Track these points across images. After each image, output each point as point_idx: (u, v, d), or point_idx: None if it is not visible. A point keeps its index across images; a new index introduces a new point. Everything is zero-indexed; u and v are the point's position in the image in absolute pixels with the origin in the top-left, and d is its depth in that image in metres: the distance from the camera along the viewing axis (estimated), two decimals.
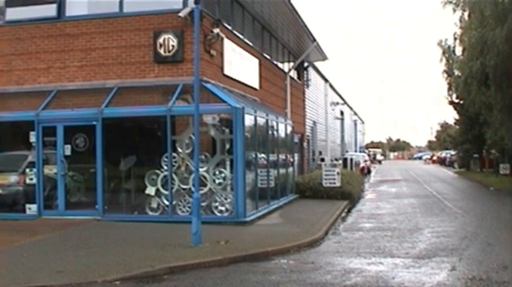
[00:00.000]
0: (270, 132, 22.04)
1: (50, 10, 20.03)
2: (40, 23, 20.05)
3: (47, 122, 18.82)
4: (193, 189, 15.52)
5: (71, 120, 18.71)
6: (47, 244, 14.38)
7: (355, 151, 73.42)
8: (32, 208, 18.84)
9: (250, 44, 24.46)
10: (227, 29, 21.10)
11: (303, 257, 13.25)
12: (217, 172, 17.82)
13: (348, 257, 13.32)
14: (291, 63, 33.93)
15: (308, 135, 38.90)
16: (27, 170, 19.12)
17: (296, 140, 30.94)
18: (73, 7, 20.00)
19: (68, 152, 18.76)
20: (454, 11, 33.56)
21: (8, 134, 21.13)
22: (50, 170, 18.95)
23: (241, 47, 22.65)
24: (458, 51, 43.72)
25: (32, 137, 18.93)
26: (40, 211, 18.70)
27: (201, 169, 16.48)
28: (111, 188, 19.04)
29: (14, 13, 20.50)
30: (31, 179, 18.95)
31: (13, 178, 19.37)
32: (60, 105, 19.17)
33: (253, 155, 19.62)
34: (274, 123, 22.88)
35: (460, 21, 36.57)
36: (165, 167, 17.85)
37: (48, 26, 19.92)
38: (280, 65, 31.40)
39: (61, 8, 19.96)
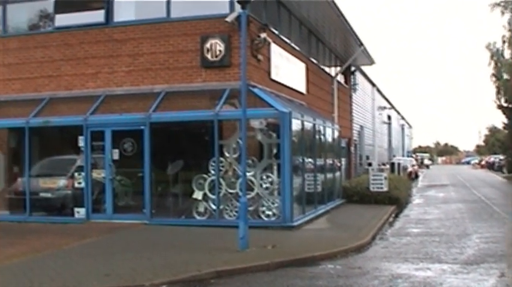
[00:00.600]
0: (317, 136, 22.01)
1: (98, 16, 20.30)
2: (88, 28, 20.33)
3: (95, 127, 19.05)
4: (240, 193, 15.59)
5: (119, 125, 18.91)
6: (95, 247, 14.54)
7: (403, 156, 72.80)
8: (80, 212, 19.08)
9: (297, 48, 24.50)
10: (274, 33, 21.15)
11: (350, 262, 13.19)
12: (264, 177, 17.84)
13: (395, 262, 13.23)
14: (338, 68, 33.89)
15: (355, 140, 38.75)
16: (76, 174, 19.40)
17: (343, 144, 30.81)
18: (121, 13, 20.23)
19: (116, 156, 18.97)
20: (503, 13, 33.26)
21: (57, 138, 21.54)
22: (98, 174, 19.18)
23: (288, 51, 22.69)
24: (507, 54, 43.22)
25: (81, 142, 19.15)
26: (88, 215, 18.95)
27: (248, 174, 16.50)
28: (158, 192, 19.21)
29: (62, 19, 20.81)
30: (79, 183, 19.21)
31: (62, 182, 19.72)
32: (108, 110, 19.41)
33: (301, 160, 19.58)
34: (321, 128, 22.83)
35: (509, 23, 36.12)
36: (213, 172, 17.93)
37: (97, 32, 20.20)
38: (327, 69, 31.38)
39: (109, 14, 20.20)
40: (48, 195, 19.69)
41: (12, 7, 21.88)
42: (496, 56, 46.16)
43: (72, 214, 19.27)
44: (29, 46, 21.07)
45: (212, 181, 17.97)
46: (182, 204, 19.26)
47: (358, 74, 40.17)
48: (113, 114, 19.13)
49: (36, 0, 21.66)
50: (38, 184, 19.81)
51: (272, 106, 17.86)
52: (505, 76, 43.53)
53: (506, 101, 48.33)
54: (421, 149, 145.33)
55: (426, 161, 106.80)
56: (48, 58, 20.75)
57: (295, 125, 18.60)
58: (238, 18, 17.55)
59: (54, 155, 20.87)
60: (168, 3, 19.53)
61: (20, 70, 21.09)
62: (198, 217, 18.25)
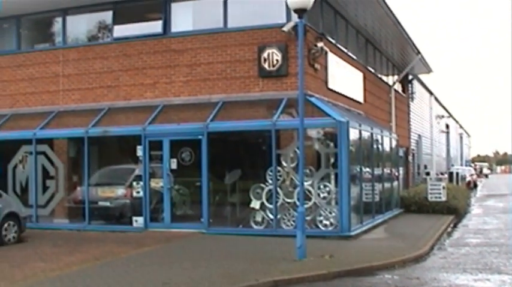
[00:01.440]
0: (374, 146, 21.99)
1: (156, 27, 20.65)
2: (146, 39, 20.66)
3: (153, 137, 19.33)
4: (298, 203, 15.50)
5: (177, 135, 19.14)
6: (152, 256, 14.71)
7: (461, 165, 71.92)
8: (138, 221, 19.38)
9: (354, 57, 24.53)
10: (331, 42, 21.22)
11: (408, 273, 13.14)
12: (321, 186, 17.89)
13: (453, 273, 13.14)
14: (395, 76, 33.77)
15: (413, 149, 38.48)
16: (134, 183, 19.73)
17: (401, 153, 30.67)
18: (178, 23, 20.53)
19: (174, 165, 19.19)
20: None
21: (116, 148, 22.00)
22: (156, 183, 19.43)
23: (345, 60, 22.74)
24: None
25: (139, 151, 19.44)
26: (146, 224, 19.22)
27: (305, 183, 16.49)
28: (216, 201, 19.45)
29: (121, 30, 21.23)
30: (138, 192, 19.52)
31: (120, 191, 20.10)
32: (166, 119, 19.67)
33: (358, 169, 19.60)
34: (379, 137, 22.80)
35: None
36: (270, 181, 18.02)
37: (155, 42, 20.51)
38: (384, 78, 31.29)
39: (167, 25, 20.51)
40: (107, 204, 20.09)
41: (72, 19, 22.34)
42: None
43: (131, 223, 19.55)
44: (88, 57, 21.49)
45: (270, 190, 18.07)
46: (240, 213, 19.46)
47: (415, 83, 39.90)
48: (170, 124, 19.36)
49: (95, 12, 22.09)
50: (97, 193, 20.25)
51: (329, 115, 17.90)
52: None
53: None
54: (479, 159, 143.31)
55: (485, 171, 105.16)
56: (107, 69, 21.15)
57: (353, 134, 18.63)
58: (295, 27, 17.59)
59: (112, 165, 21.39)
60: (225, 13, 19.74)
61: (80, 81, 21.53)
62: (255, 227, 18.36)
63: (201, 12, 20.77)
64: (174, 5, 20.54)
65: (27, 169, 21.30)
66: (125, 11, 21.31)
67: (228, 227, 18.81)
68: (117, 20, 21.38)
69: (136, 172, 19.85)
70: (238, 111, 19.09)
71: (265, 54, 18.91)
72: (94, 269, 13.00)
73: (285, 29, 18.47)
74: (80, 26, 22.53)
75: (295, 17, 16.08)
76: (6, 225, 17.23)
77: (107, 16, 21.67)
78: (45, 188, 21.06)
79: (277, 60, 18.78)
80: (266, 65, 18.90)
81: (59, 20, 22.51)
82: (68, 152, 21.63)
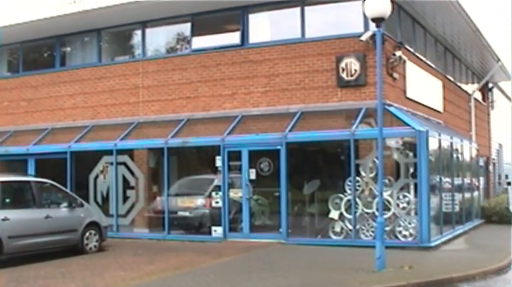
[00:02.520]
0: (454, 155, 21.86)
1: (234, 38, 21.06)
2: (225, 50, 21.07)
3: (232, 147, 19.63)
4: (377, 213, 15.68)
5: (255, 145, 19.40)
6: (231, 265, 14.96)
7: None
8: (217, 231, 19.65)
9: (433, 65, 24.51)
10: (409, 51, 21.29)
11: (489, 285, 13.10)
12: (401, 196, 17.89)
13: None
14: (475, 85, 33.46)
15: (493, 159, 37.99)
16: (213, 193, 20.02)
17: (481, 163, 30.40)
18: (256, 34, 20.85)
19: (252, 176, 19.45)
20: None
21: (195, 158, 22.50)
22: (235, 193, 19.75)
23: (423, 69, 22.76)
24: None
25: (218, 162, 19.74)
26: (225, 234, 19.50)
27: (384, 193, 16.53)
28: (294, 211, 19.62)
29: (199, 42, 21.71)
30: (217, 202, 19.81)
31: (200, 201, 20.47)
32: (244, 130, 19.97)
33: (438, 179, 19.51)
34: (459, 146, 22.68)
35: None
36: (349, 191, 18.11)
37: (233, 53, 20.91)
38: (463, 86, 31.07)
39: (244, 35, 20.87)
40: (186, 214, 20.47)
41: (151, 31, 22.94)
42: None
43: (210, 233, 19.85)
44: (167, 68, 22.02)
45: (348, 200, 18.14)
46: (318, 224, 19.57)
47: (495, 91, 39.42)
48: (249, 134, 19.63)
49: (174, 24, 22.63)
50: (177, 203, 20.66)
51: (408, 125, 17.91)
52: None
53: None
54: None
55: None
56: (185, 80, 21.62)
57: (432, 143, 18.57)
58: (373, 36, 17.75)
59: (192, 175, 21.81)
60: (303, 23, 19.98)
61: (159, 92, 22.08)
62: (334, 237, 18.42)
63: (279, 22, 21.08)
64: (251, 16, 20.88)
65: (108, 179, 21.86)
66: (203, 22, 21.76)
67: (306, 237, 18.96)
68: (196, 31, 21.84)
69: (216, 182, 20.16)
70: (316, 122, 19.23)
71: (343, 64, 19.08)
72: (174, 278, 13.28)
73: (362, 38, 18.62)
74: (158, 38, 23.12)
75: (373, 26, 16.23)
76: (87, 234, 17.82)
77: (185, 28, 22.18)
78: (125, 198, 21.58)
79: (355, 70, 18.93)
80: (344, 75, 19.07)
81: (138, 32, 23.13)
82: (148, 162, 22.10)
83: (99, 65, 23.70)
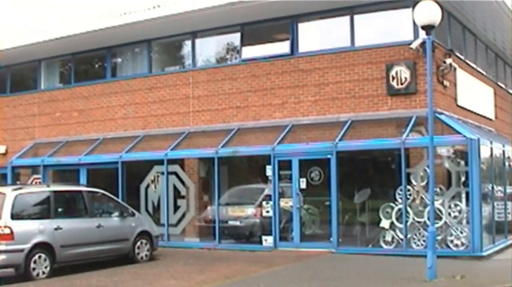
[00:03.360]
0: (506, 163, 21.78)
1: (284, 47, 21.37)
2: (274, 60, 21.38)
3: (282, 156, 19.90)
4: (428, 222, 15.66)
5: (305, 154, 19.63)
6: (282, 275, 15.14)
7: None
8: (268, 240, 19.95)
9: (484, 73, 24.54)
10: (460, 58, 21.39)
11: None
12: (452, 205, 17.87)
13: None
14: None
15: None
16: (264, 203, 20.36)
17: None
18: (305, 43, 21.15)
19: (303, 185, 19.66)
20: None
21: (245, 167, 22.89)
22: (285, 203, 19.97)
23: (474, 76, 22.84)
24: None
25: (268, 171, 20.08)
26: (276, 243, 19.74)
27: (436, 202, 16.52)
28: (345, 220, 19.74)
29: (249, 51, 22.09)
30: (267, 211, 20.14)
31: (250, 211, 20.83)
32: (295, 139, 20.21)
33: (490, 187, 19.48)
34: (511, 154, 22.66)
35: None
36: (400, 200, 18.15)
37: (282, 63, 21.22)
38: None
39: (294, 45, 21.17)
40: (237, 223, 20.86)
41: (201, 41, 23.47)
42: None
43: (260, 242, 20.19)
44: (218, 78, 22.44)
45: (399, 209, 18.15)
46: (369, 233, 19.64)
47: None
48: (299, 143, 19.87)
49: (223, 34, 23.11)
50: (227, 212, 21.06)
51: (459, 133, 17.94)
52: None
53: None
54: None
55: None
56: (235, 90, 22.01)
57: (484, 151, 18.58)
58: (423, 44, 17.90)
59: (242, 184, 22.23)
60: (352, 31, 20.20)
61: (209, 102, 22.51)
62: (385, 246, 18.45)
63: (328, 31, 21.34)
64: (301, 25, 21.20)
65: (159, 189, 22.35)
66: (253, 32, 22.16)
67: (357, 246, 19.06)
68: (245, 41, 22.23)
69: (266, 192, 20.48)
70: (366, 130, 19.37)
71: (393, 72, 19.24)
72: None
73: (412, 46, 18.78)
74: (208, 48, 23.61)
75: (422, 33, 16.37)
76: (139, 243, 18.32)
77: (235, 38, 22.63)
78: (176, 208, 22.00)
79: (405, 78, 19.06)
80: (394, 83, 19.22)
81: (188, 43, 23.66)
82: (199, 172, 22.48)
83: (150, 76, 24.29)
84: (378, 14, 20.08)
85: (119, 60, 26.42)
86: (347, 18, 20.34)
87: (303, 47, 21.22)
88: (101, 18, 23.68)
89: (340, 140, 19.12)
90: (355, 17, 20.24)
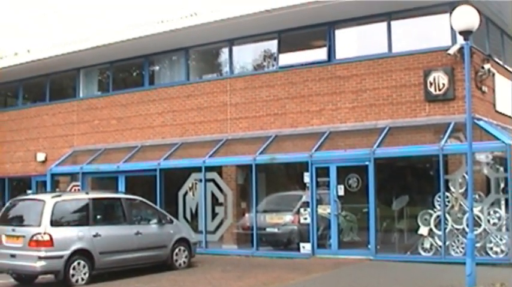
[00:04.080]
0: None
1: (321, 54, 21.58)
2: (311, 66, 21.61)
3: (320, 163, 20.07)
4: (467, 229, 15.70)
5: (343, 161, 19.78)
6: (320, 282, 15.34)
7: None
8: (305, 247, 20.12)
9: None
10: (498, 63, 21.40)
11: None
12: (491, 212, 17.79)
13: None
14: None
15: None
16: (302, 210, 20.55)
17: None
18: (343, 49, 21.32)
19: (341, 192, 19.81)
20: None
21: (283, 174, 23.06)
22: (323, 210, 20.15)
23: None
24: None
25: (306, 178, 20.22)
26: (313, 250, 19.90)
27: (475, 209, 16.48)
28: (383, 227, 19.88)
29: (286, 58, 22.36)
30: (305, 218, 20.33)
31: (288, 218, 21.04)
32: (332, 146, 20.37)
33: None
34: None
35: None
36: (438, 207, 18.18)
37: (320, 70, 21.42)
38: None
39: (331, 51, 21.37)
40: (275, 230, 21.10)
41: (238, 49, 23.81)
42: None
43: (298, 249, 20.36)
44: (255, 86, 22.75)
45: (438, 216, 18.16)
46: (407, 240, 19.64)
47: None
48: (337, 150, 20.03)
49: (260, 41, 23.43)
50: (265, 219, 21.33)
51: (498, 139, 17.87)
52: None
53: None
54: None
55: None
56: (273, 97, 22.28)
57: None
58: (461, 50, 18.00)
59: (280, 191, 22.44)
60: (389, 37, 20.33)
61: (247, 109, 22.84)
62: (423, 253, 18.44)
63: (365, 37, 21.53)
64: (338, 32, 21.39)
65: (197, 196, 22.70)
66: (290, 39, 22.42)
67: (395, 253, 19.08)
68: (282, 48, 22.50)
69: (304, 199, 20.62)
70: (404, 137, 19.46)
71: (431, 78, 19.32)
72: None
73: (450, 51, 18.83)
74: (245, 55, 23.98)
75: (460, 39, 16.47)
76: (177, 250, 18.63)
77: (272, 45, 22.91)
78: (214, 215, 22.30)
79: (443, 84, 19.13)
80: (432, 89, 19.30)
81: (226, 50, 24.02)
82: (236, 179, 22.78)
83: (187, 83, 24.69)
84: (415, 20, 20.13)
85: (157, 68, 26.92)
86: (384, 24, 20.48)
87: (340, 53, 21.41)
88: (139, 26, 24.13)
89: (378, 146, 19.21)
90: (393, 23, 20.36)
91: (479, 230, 17.63)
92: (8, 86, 32.00)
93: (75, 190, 25.64)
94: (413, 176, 20.91)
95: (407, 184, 21.12)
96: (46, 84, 29.66)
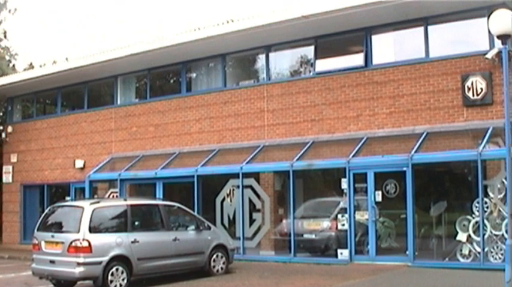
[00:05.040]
0: None
1: (358, 59, 21.75)
2: (348, 72, 21.79)
3: (357, 169, 20.21)
4: (506, 235, 15.71)
5: (381, 167, 19.88)
6: None
7: None
8: (343, 253, 20.22)
9: None
10: None
11: None
12: None
13: None
14: None
15: None
16: (339, 216, 20.67)
17: None
18: (379, 55, 21.47)
19: (378, 198, 19.93)
20: None
21: (320, 180, 23.21)
22: (361, 216, 20.24)
23: None
24: None
25: (344, 184, 20.36)
26: (351, 256, 20.02)
27: None
28: (421, 234, 19.90)
29: (323, 64, 22.56)
30: (343, 224, 20.41)
31: (325, 224, 21.19)
32: (370, 152, 20.52)
33: None
34: None
35: None
36: (477, 213, 18.14)
37: (357, 75, 21.60)
38: None
39: (368, 57, 21.53)
40: (312, 236, 21.30)
41: (274, 55, 24.09)
42: None
43: (336, 255, 20.50)
44: (292, 92, 22.99)
45: (476, 222, 18.13)
46: (446, 246, 19.64)
47: None
48: (374, 156, 20.19)
49: (297, 47, 23.70)
50: (302, 226, 21.53)
51: None
52: None
53: None
54: None
55: None
56: (310, 103, 22.50)
57: None
58: (498, 54, 17.98)
59: (317, 197, 22.63)
60: (427, 42, 20.39)
61: (284, 115, 23.08)
62: (462, 260, 18.43)
63: (402, 42, 21.59)
64: (374, 37, 21.56)
65: (235, 202, 23.06)
66: (326, 45, 22.62)
67: (433, 260, 19.09)
68: (319, 54, 22.70)
69: (341, 205, 20.78)
70: (442, 142, 19.50)
71: (468, 83, 19.32)
72: None
73: (488, 56, 18.83)
74: (282, 61, 24.25)
75: (498, 43, 16.21)
76: (214, 256, 18.85)
77: (309, 51, 23.16)
78: (251, 221, 22.66)
79: (481, 89, 19.12)
80: (470, 94, 19.31)
81: (262, 56, 24.33)
82: (274, 185, 23.05)
83: (225, 90, 25.05)
84: (452, 24, 20.17)
85: (194, 74, 27.29)
86: (421, 29, 20.57)
87: (377, 59, 21.54)
88: (176, 33, 24.52)
89: (415, 152, 19.26)
90: (429, 27, 20.43)
91: None
92: (47, 93, 32.81)
93: (113, 196, 26.16)
94: (451, 182, 20.88)
95: (446, 189, 21.11)
96: (84, 92, 30.27)
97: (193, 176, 23.65)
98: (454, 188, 20.45)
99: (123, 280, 16.41)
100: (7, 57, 37.56)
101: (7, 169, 33.27)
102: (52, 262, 16.30)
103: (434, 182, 21.35)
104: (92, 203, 16.94)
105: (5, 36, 37.93)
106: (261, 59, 24.62)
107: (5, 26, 46.96)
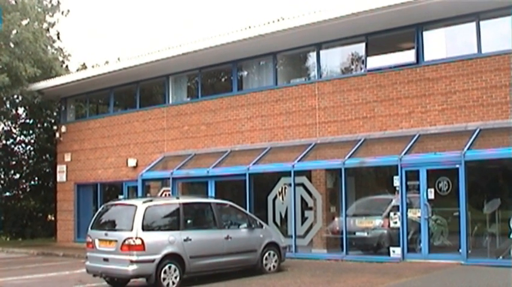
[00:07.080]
0: None
1: (409, 56, 21.88)
2: (400, 69, 21.94)
3: (410, 166, 20.28)
4: None
5: (433, 164, 19.92)
6: None
7: None
8: (395, 251, 20.34)
9: None
10: None
11: None
12: None
13: None
14: None
15: None
16: (391, 213, 20.79)
17: None
18: (431, 51, 21.55)
19: (431, 195, 19.97)
20: None
21: (372, 178, 23.37)
22: (413, 213, 20.31)
23: None
24: None
25: (396, 181, 20.47)
26: (404, 254, 20.13)
27: None
28: (474, 231, 19.83)
29: (374, 61, 22.73)
30: (395, 222, 20.53)
31: (378, 221, 21.34)
32: (422, 149, 20.59)
33: None
34: None
35: None
36: None
37: (408, 72, 21.72)
38: None
39: (419, 53, 21.63)
40: (364, 234, 21.46)
41: (325, 52, 24.38)
42: None
43: (388, 253, 20.64)
44: (343, 89, 23.22)
45: None
46: (499, 244, 19.57)
47: None
48: (427, 153, 20.24)
49: (348, 45, 23.92)
50: (355, 223, 21.69)
51: None
52: None
53: None
54: None
55: None
56: (361, 100, 22.70)
57: None
58: None
59: (369, 195, 22.78)
60: (479, 38, 20.44)
61: (335, 113, 23.33)
62: None
63: (454, 38, 21.68)
64: (426, 33, 21.64)
65: (287, 200, 23.34)
66: (377, 42, 22.79)
67: (487, 258, 19.01)
68: (370, 51, 22.89)
69: (394, 202, 20.88)
70: (495, 139, 19.47)
71: None
72: None
73: None
74: (333, 59, 24.48)
75: None
76: (266, 254, 19.10)
77: (360, 48, 23.39)
78: (303, 219, 22.89)
79: None
80: None
81: (313, 54, 24.61)
82: (326, 183, 23.26)
83: (276, 88, 25.37)
84: (505, 19, 20.04)
85: (245, 73, 27.73)
86: (473, 24, 20.60)
87: (429, 55, 21.63)
88: (227, 32, 24.94)
89: (468, 149, 19.31)
90: (481, 23, 20.47)
91: None
92: (99, 93, 33.58)
93: (165, 194, 26.61)
94: (505, 179, 20.75)
95: (499, 186, 21.05)
96: (136, 91, 30.91)
97: (245, 175, 24.01)
98: (507, 185, 20.28)
99: (175, 277, 16.74)
100: (60, 59, 38.36)
101: (61, 168, 34.10)
102: (106, 259, 16.75)
103: (488, 179, 21.37)
104: (144, 202, 17.32)
105: (58, 38, 38.73)
106: (312, 57, 24.87)
107: (58, 27, 48.17)
